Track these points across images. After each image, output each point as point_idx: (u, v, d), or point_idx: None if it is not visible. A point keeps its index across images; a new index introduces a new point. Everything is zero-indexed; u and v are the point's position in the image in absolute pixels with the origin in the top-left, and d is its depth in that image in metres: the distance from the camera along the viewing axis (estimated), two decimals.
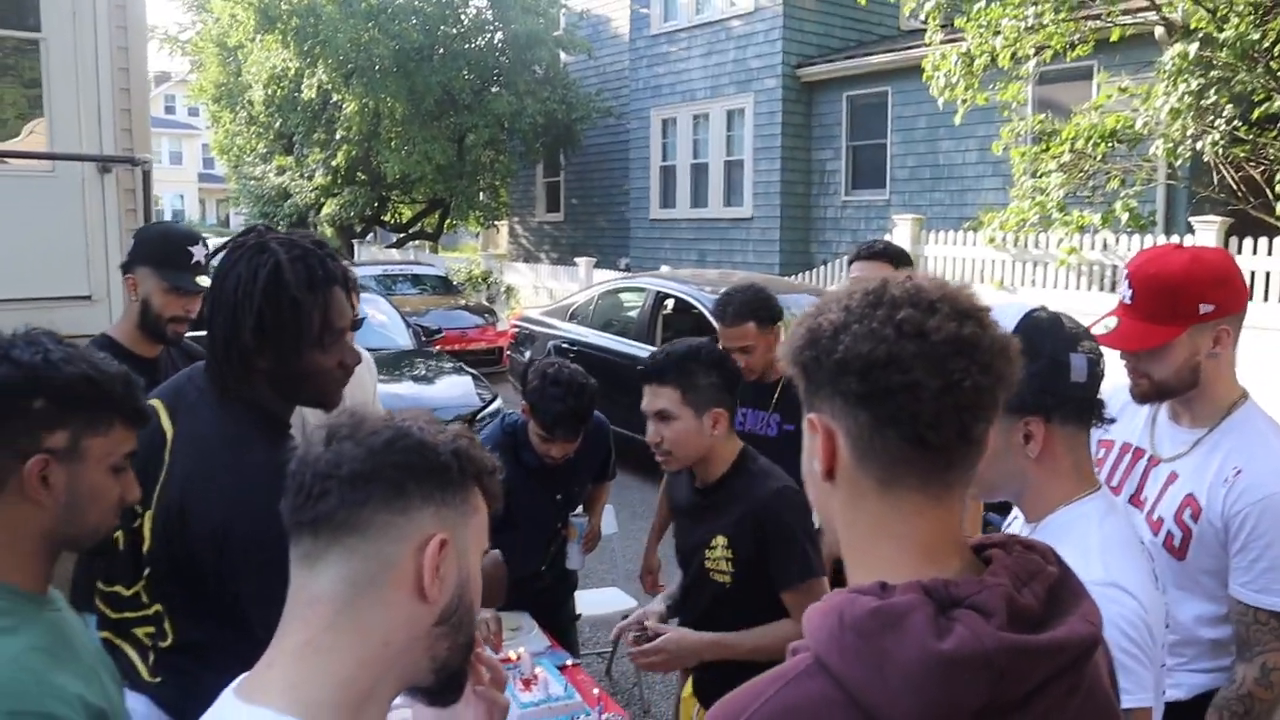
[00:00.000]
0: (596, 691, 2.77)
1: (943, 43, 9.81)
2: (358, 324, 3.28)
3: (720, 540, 2.48)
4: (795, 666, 1.03)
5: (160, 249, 3.04)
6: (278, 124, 22.79)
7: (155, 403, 1.87)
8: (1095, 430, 1.69)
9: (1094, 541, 1.57)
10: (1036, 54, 9.22)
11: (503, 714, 1.38)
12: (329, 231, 22.87)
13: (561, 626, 3.49)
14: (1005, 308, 1.69)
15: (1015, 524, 1.81)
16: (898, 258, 3.66)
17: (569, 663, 2.99)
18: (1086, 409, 1.65)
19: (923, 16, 10.01)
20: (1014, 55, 9.14)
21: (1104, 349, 1.71)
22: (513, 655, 2.81)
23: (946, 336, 1.00)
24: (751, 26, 16.27)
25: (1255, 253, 8.92)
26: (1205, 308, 1.98)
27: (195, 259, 3.07)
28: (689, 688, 2.76)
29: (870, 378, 1.00)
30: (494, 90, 20.52)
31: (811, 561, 2.42)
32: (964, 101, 9.52)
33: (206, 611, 1.86)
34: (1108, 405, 1.68)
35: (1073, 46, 9.21)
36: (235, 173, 25.41)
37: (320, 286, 1.88)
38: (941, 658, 0.92)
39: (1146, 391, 2.10)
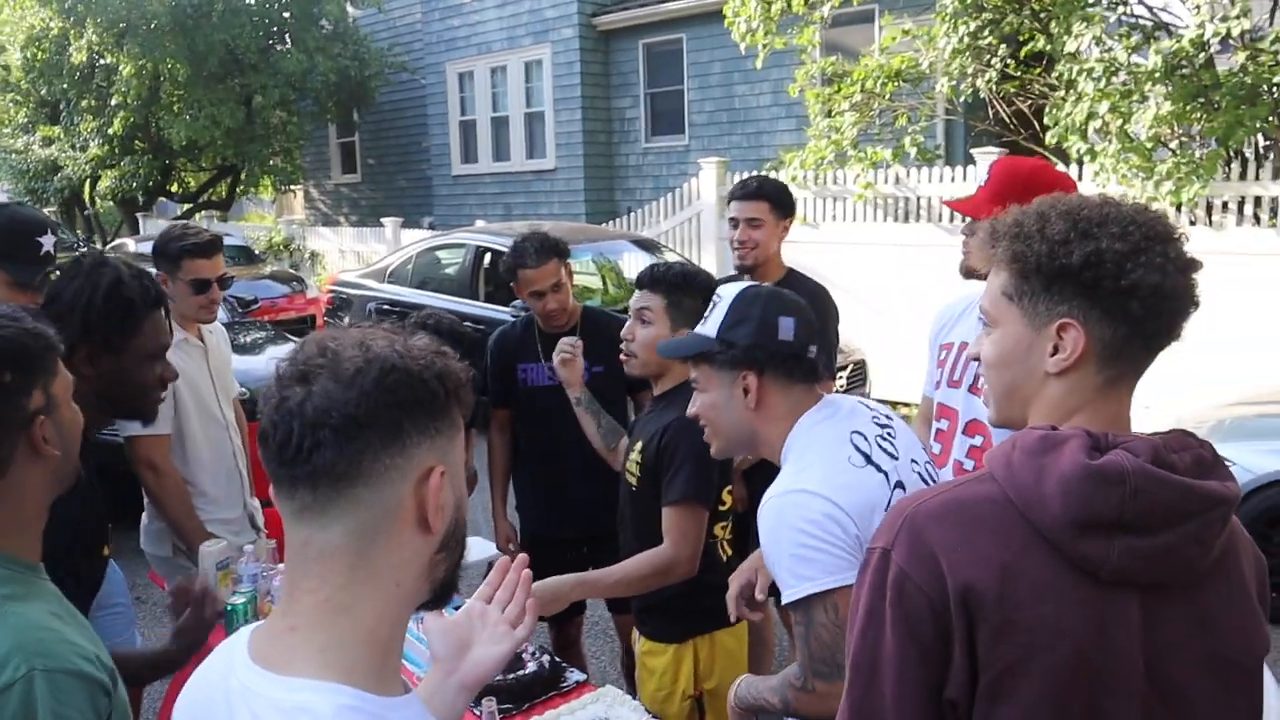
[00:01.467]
0: None
1: None
2: (226, 283, 3.28)
3: (639, 445, 2.70)
4: (970, 476, 1.29)
5: (7, 240, 2.82)
6: (41, 91, 21.14)
7: None
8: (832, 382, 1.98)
9: (796, 457, 1.86)
10: None
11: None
12: (109, 206, 21.38)
13: None
14: (730, 286, 2.01)
15: None
16: (775, 196, 3.65)
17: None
18: (797, 364, 1.92)
19: None
20: (807, 0, 9.56)
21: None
22: None
23: (1198, 267, 1.26)
24: None
25: None
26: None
27: (45, 249, 2.88)
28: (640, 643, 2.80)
29: (1150, 303, 1.23)
30: (281, 49, 19.65)
31: (693, 486, 2.56)
32: (764, 46, 9.89)
33: None
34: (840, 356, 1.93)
35: None
36: None
37: (151, 304, 2.16)
38: (1089, 469, 1.17)
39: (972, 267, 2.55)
